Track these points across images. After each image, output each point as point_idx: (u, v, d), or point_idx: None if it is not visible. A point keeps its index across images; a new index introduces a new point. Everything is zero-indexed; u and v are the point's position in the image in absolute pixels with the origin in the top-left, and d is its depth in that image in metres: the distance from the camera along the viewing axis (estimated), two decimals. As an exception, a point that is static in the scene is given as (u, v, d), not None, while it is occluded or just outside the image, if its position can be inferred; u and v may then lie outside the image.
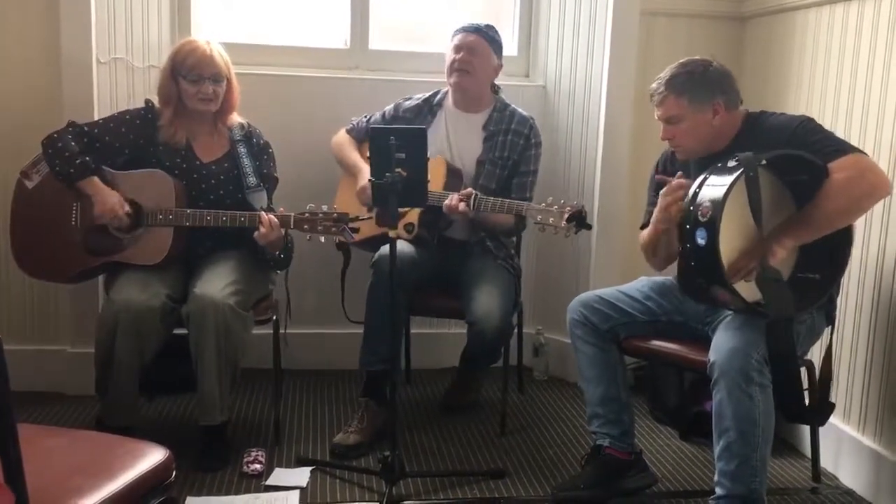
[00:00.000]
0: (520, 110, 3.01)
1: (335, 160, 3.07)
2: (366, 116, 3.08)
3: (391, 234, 2.28)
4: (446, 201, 2.70)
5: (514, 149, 2.94)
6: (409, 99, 3.07)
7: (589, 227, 2.54)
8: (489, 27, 2.94)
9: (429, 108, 3.03)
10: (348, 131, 3.08)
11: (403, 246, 2.77)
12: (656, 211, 2.32)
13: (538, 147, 2.99)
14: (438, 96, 3.05)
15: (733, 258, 2.11)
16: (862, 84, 2.57)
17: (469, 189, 2.72)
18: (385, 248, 2.75)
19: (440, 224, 2.86)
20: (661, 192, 2.32)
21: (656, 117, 2.37)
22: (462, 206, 2.67)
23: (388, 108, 3.07)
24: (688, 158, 2.42)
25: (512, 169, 2.94)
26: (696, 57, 2.35)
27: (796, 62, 2.92)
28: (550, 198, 2.60)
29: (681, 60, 2.34)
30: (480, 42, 2.90)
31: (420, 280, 2.82)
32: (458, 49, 2.90)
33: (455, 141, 2.97)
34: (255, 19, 3.44)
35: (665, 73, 2.33)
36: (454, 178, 2.88)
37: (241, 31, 3.37)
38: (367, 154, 2.96)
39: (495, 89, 3.05)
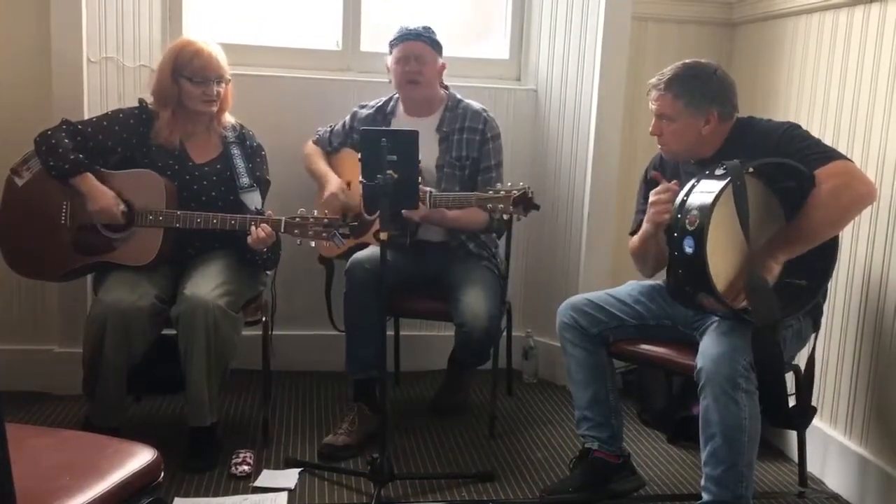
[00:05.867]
0: (472, 104, 2.96)
1: (307, 172, 3.05)
2: (330, 126, 3.08)
3: (382, 235, 2.27)
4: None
5: (471, 146, 2.90)
6: (365, 106, 3.04)
7: (537, 208, 2.48)
8: (427, 29, 2.89)
9: (382, 116, 2.99)
10: (315, 142, 3.09)
11: (375, 251, 2.76)
12: (648, 209, 2.32)
13: (496, 139, 2.94)
14: (391, 104, 3.01)
15: (729, 277, 2.12)
16: (850, 91, 2.59)
17: (423, 188, 2.67)
18: (357, 255, 2.77)
19: (409, 225, 2.81)
20: (654, 189, 2.32)
21: (650, 108, 2.37)
22: (420, 206, 2.62)
23: (347, 118, 3.05)
24: (671, 159, 2.44)
25: (472, 167, 2.91)
26: (703, 60, 2.35)
27: (786, 69, 2.93)
28: (499, 184, 2.59)
29: (686, 61, 2.33)
30: (425, 48, 2.86)
31: (400, 283, 2.81)
32: (405, 60, 2.85)
33: None
34: (246, 20, 3.43)
35: (669, 71, 2.32)
36: None
37: (232, 32, 3.36)
38: (342, 162, 2.98)
39: (444, 87, 3.01)
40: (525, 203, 2.44)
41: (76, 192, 2.58)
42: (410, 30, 2.88)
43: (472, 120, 2.92)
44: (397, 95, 3.00)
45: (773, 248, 2.15)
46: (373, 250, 2.74)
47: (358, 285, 2.70)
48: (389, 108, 3.01)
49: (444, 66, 2.95)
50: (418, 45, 2.86)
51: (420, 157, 2.82)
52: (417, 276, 2.89)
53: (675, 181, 2.31)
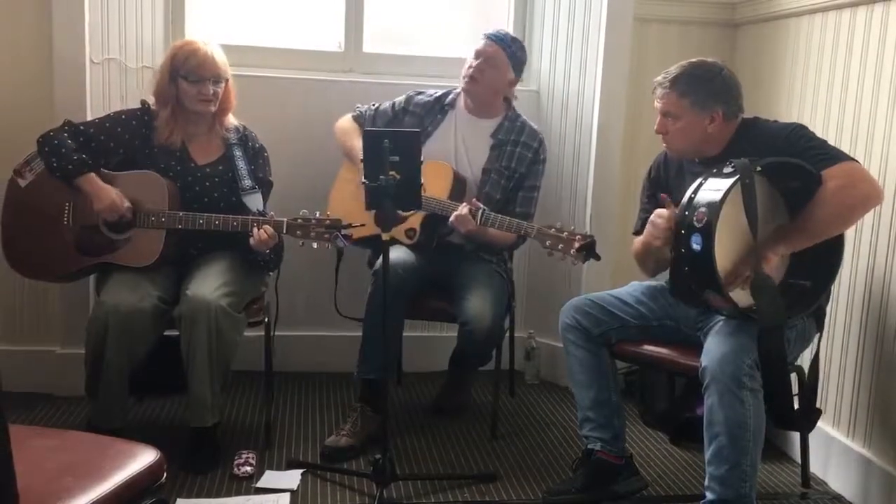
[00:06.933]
0: (531, 123, 3.00)
1: (339, 146, 3.04)
2: (374, 105, 3.07)
3: (384, 237, 2.28)
4: (457, 212, 2.67)
5: (521, 161, 2.93)
6: (422, 94, 3.05)
7: (598, 258, 2.50)
8: (515, 41, 2.94)
9: (440, 107, 3.02)
10: (355, 118, 3.06)
11: (403, 253, 2.77)
12: (652, 227, 2.29)
13: (544, 163, 2.99)
14: (451, 96, 3.03)
15: (728, 265, 2.12)
16: (853, 92, 2.59)
17: (475, 201, 2.71)
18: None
19: (442, 230, 2.84)
20: (658, 211, 2.29)
21: (655, 107, 2.37)
22: (471, 220, 2.65)
23: (400, 98, 3.05)
24: (675, 156, 2.44)
25: (517, 181, 2.93)
26: (709, 59, 2.35)
27: (788, 69, 2.93)
28: (559, 222, 2.58)
29: (692, 60, 2.33)
30: (499, 54, 2.89)
31: (418, 286, 2.82)
32: (476, 55, 2.90)
33: (463, 144, 2.96)
34: (249, 21, 3.43)
35: (674, 70, 2.32)
36: (460, 186, 2.86)
37: (235, 33, 3.36)
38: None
39: (508, 101, 3.02)
40: (588, 251, 2.45)
41: (79, 193, 2.58)
42: (498, 33, 2.93)
43: (528, 137, 2.96)
44: (459, 89, 3.02)
45: (774, 240, 2.15)
46: (402, 253, 2.75)
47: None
48: (448, 99, 3.03)
49: (514, 82, 2.97)
50: (494, 48, 2.90)
51: (471, 156, 2.91)
52: (427, 278, 2.89)
53: (668, 199, 2.29)
